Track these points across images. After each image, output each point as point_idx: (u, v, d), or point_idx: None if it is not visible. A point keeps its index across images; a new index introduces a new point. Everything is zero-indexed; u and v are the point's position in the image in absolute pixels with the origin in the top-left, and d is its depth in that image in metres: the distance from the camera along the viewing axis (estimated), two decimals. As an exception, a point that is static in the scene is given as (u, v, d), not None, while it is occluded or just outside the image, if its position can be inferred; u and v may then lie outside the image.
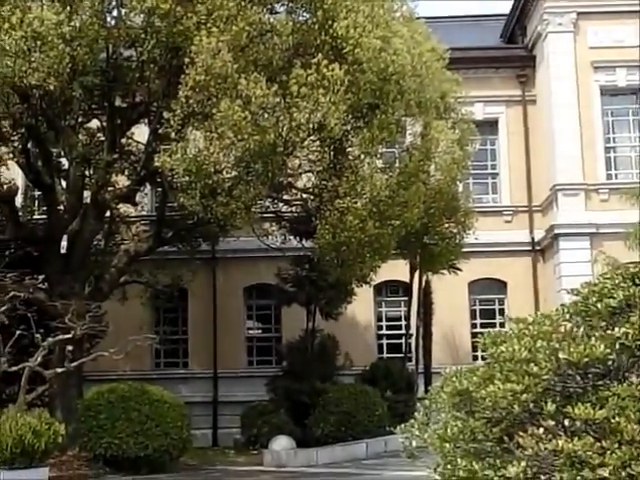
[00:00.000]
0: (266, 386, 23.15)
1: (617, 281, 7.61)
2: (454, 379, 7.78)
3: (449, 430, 7.50)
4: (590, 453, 6.51)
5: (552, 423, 7.00)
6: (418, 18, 20.33)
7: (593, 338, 7.23)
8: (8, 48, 14.86)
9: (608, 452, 6.51)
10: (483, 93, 26.43)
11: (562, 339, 7.29)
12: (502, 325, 25.41)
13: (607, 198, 25.07)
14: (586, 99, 25.56)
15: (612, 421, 6.64)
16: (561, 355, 7.11)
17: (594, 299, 7.50)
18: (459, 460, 7.37)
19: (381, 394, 22.86)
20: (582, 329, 7.34)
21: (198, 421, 21.97)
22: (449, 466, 7.41)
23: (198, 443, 21.60)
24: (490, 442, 7.46)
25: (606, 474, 6.40)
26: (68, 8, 15.39)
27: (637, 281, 7.69)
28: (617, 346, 7.18)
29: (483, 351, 8.85)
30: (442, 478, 7.55)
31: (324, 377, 22.71)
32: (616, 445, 6.56)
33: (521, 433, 7.08)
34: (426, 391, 23.01)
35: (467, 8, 32.71)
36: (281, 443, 19.89)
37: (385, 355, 26.89)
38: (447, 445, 7.41)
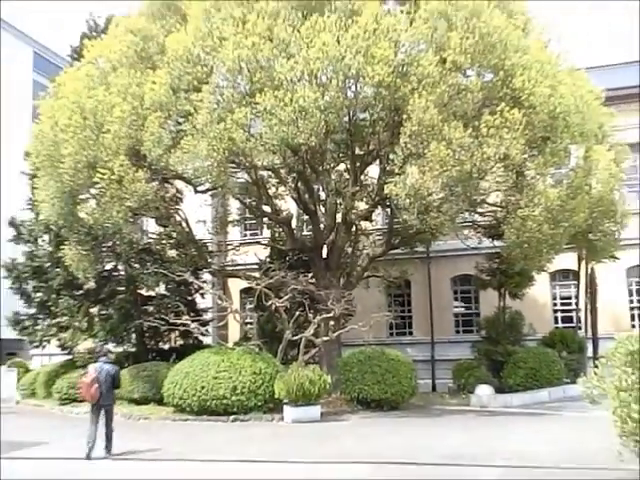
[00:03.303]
0: (470, 348, 22.82)
1: None
2: (627, 342, 7.31)
3: (624, 382, 7.03)
4: None
5: None
6: (578, 69, 19.33)
7: None
8: (283, 119, 15.42)
9: None
10: (632, 121, 24.58)
11: None
12: None
13: None
14: None
15: None
16: None
17: None
18: (632, 405, 6.88)
19: (558, 354, 22.07)
20: None
21: (421, 374, 21.76)
22: (625, 410, 6.93)
23: (422, 389, 21.56)
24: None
25: None
26: (322, 88, 15.75)
27: None
28: None
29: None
30: (620, 419, 7.10)
31: (514, 342, 22.19)
32: None
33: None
34: (594, 352, 22.15)
35: (620, 57, 30.44)
36: (483, 390, 19.59)
37: (560, 325, 25.56)
38: (623, 393, 6.95)
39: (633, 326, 23.96)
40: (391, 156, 16.93)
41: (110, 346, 14.79)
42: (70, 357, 25.10)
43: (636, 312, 24.79)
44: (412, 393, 19.17)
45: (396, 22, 16.19)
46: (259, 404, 17.18)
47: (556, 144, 16.95)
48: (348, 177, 20.67)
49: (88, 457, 11.87)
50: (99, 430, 12.23)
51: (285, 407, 16.75)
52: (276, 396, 16.90)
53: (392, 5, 18.06)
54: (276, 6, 16.46)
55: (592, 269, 23.24)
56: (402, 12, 17.16)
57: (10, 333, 27.87)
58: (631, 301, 25.25)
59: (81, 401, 21.71)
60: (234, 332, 25.78)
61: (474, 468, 9.88)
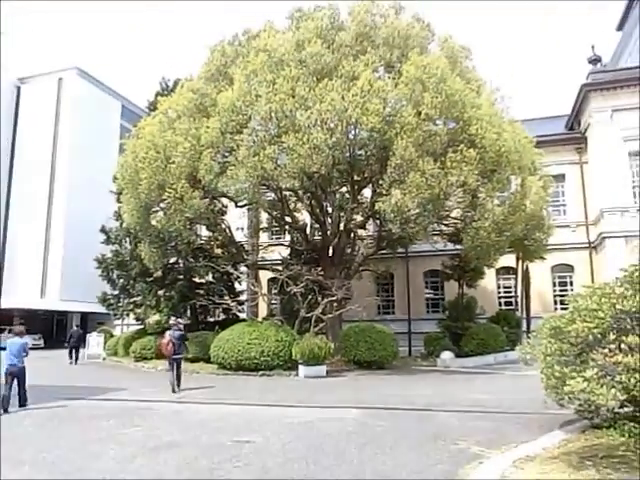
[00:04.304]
0: (437, 324, 22.79)
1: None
2: (551, 320, 7.33)
3: (548, 349, 7.05)
4: (639, 364, 5.85)
5: (613, 346, 6.35)
6: (517, 121, 19.39)
7: (637, 296, 6.51)
8: (302, 154, 15.49)
9: (651, 364, 5.83)
10: (556, 159, 24.62)
11: (618, 297, 6.62)
12: (571, 290, 23.98)
13: (635, 215, 22.56)
14: (619, 159, 23.12)
15: (652, 345, 5.95)
16: (618, 306, 6.47)
17: (637, 273, 6.75)
18: (555, 366, 6.90)
19: (501, 329, 22.02)
20: (630, 292, 6.63)
21: (401, 343, 21.60)
22: (549, 369, 6.96)
23: (401, 354, 21.30)
24: (572, 357, 6.91)
25: (650, 376, 5.74)
26: (330, 132, 15.82)
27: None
28: (653, 301, 6.44)
29: (564, 304, 8.36)
30: (546, 376, 7.12)
31: (469, 319, 22.14)
32: (656, 360, 5.87)
33: (593, 352, 6.50)
34: (528, 328, 22.13)
35: (546, 112, 30.52)
36: (446, 355, 19.60)
37: (503, 307, 25.50)
38: (548, 358, 6.97)
39: (556, 308, 23.86)
40: (380, 182, 16.99)
41: (179, 319, 15.45)
42: (142, 326, 25.24)
43: (558, 298, 24.65)
44: (394, 357, 19.13)
45: (384, 85, 16.25)
46: (280, 364, 17.23)
47: (501, 175, 16.99)
48: (348, 197, 20.67)
49: (173, 391, 13.34)
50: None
51: (300, 366, 16.77)
52: (293, 358, 16.95)
53: (382, 72, 18.09)
54: (297, 73, 16.55)
55: (527, 267, 23.18)
56: (389, 78, 17.28)
57: (100, 308, 28.10)
58: (554, 290, 25.27)
59: (150, 359, 21.94)
60: (262, 310, 25.87)
61: (440, 412, 9.90)
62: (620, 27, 29.95)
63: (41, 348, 36.22)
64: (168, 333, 14.28)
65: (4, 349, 11.10)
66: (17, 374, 10.90)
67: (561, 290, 24.91)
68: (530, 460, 6.18)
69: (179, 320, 15.30)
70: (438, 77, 15.97)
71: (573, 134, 26.51)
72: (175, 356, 13.89)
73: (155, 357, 21.42)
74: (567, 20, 79.60)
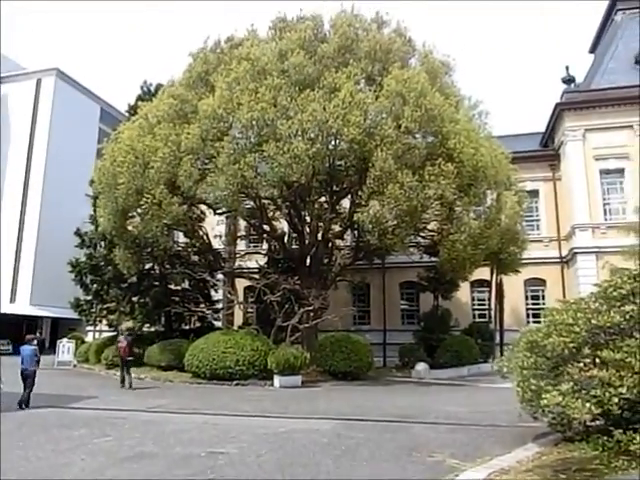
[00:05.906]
0: (412, 335, 22.77)
1: (624, 279, 6.93)
2: (528, 334, 7.41)
3: (525, 362, 7.11)
4: (614, 379, 5.93)
5: (588, 361, 6.43)
6: (494, 136, 19.69)
7: (611, 312, 6.62)
8: (282, 163, 15.47)
9: (624, 378, 5.90)
10: (530, 175, 24.99)
11: (593, 312, 6.71)
12: (543, 304, 24.28)
13: (605, 231, 23.08)
14: (591, 177, 23.70)
15: (625, 360, 6.03)
16: (593, 321, 6.58)
17: (611, 289, 6.86)
18: (531, 380, 6.95)
19: (475, 341, 22.14)
20: (604, 307, 6.74)
21: (376, 353, 21.50)
22: (525, 383, 7.01)
23: (376, 365, 21.28)
24: (547, 370, 6.97)
25: (624, 390, 5.81)
26: (310, 142, 15.80)
27: (637, 279, 6.97)
28: (626, 317, 6.55)
29: (536, 317, 8.44)
30: (521, 389, 7.16)
31: (444, 331, 22.13)
32: (629, 374, 5.95)
33: (569, 366, 6.56)
34: (501, 340, 22.26)
35: (521, 129, 30.99)
36: (421, 366, 19.61)
37: (477, 320, 25.65)
38: (524, 371, 7.02)
39: (528, 322, 24.06)
40: (359, 193, 16.99)
41: (130, 324, 17.58)
42: (115, 333, 24.71)
43: (530, 311, 25.00)
44: (369, 368, 19.06)
45: (365, 97, 16.36)
46: (256, 373, 17.06)
47: (477, 189, 17.22)
48: (327, 207, 20.57)
49: (122, 385, 16.20)
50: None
51: (275, 376, 16.61)
52: (268, 367, 16.77)
53: (363, 85, 18.19)
54: (279, 82, 16.56)
55: (500, 280, 23.35)
56: (370, 90, 17.38)
57: (71, 314, 27.51)
58: (527, 303, 25.54)
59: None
60: (238, 318, 25.58)
61: (415, 424, 9.87)
62: (593, 49, 30.79)
63: (9, 354, 35.10)
64: (123, 337, 17.05)
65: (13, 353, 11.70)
66: (28, 376, 12.22)
67: (533, 304, 25.23)
68: (505, 473, 6.17)
69: (131, 327, 18.92)
70: (418, 91, 16.14)
71: (547, 151, 27.05)
72: (129, 357, 16.59)
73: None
74: (563, 21, 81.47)
